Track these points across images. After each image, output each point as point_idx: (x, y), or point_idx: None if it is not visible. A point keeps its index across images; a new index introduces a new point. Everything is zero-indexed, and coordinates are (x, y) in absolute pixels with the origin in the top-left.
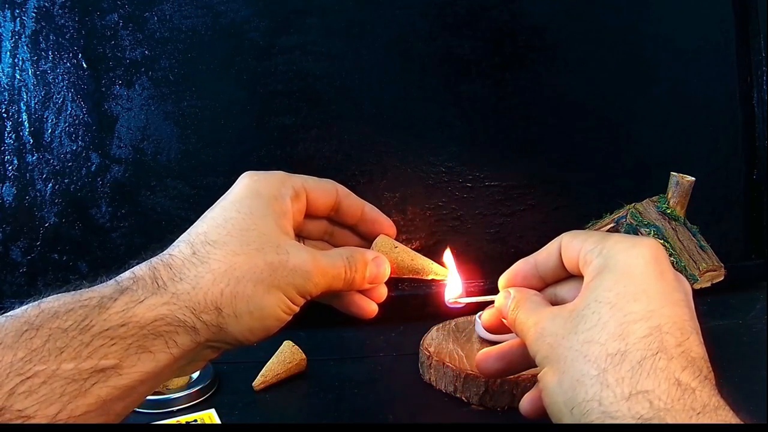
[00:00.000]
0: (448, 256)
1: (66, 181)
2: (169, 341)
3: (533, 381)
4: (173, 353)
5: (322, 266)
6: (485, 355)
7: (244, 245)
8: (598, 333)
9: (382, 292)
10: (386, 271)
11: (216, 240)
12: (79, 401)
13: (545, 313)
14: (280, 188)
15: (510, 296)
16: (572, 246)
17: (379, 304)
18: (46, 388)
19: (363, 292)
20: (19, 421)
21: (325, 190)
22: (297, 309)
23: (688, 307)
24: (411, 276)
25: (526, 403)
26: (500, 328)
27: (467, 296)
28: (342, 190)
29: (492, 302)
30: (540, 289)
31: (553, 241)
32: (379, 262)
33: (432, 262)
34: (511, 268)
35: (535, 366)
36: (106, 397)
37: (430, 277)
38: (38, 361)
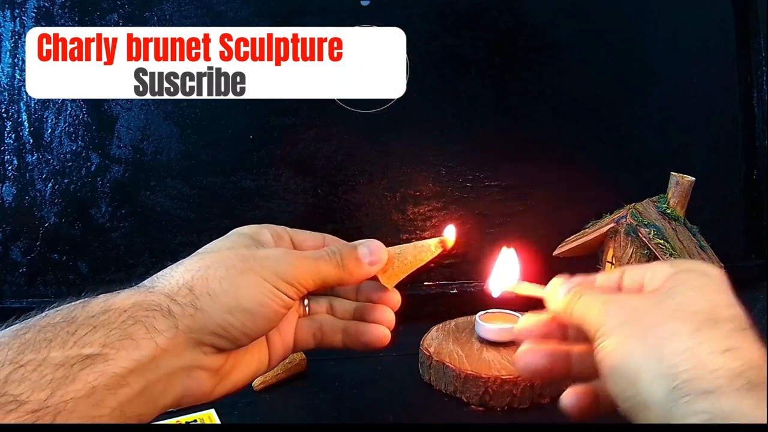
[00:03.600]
0: (507, 256)
1: (66, 181)
2: (149, 327)
3: (533, 381)
4: (157, 341)
5: (296, 254)
6: (532, 350)
7: (217, 248)
8: (688, 306)
9: (396, 299)
10: (382, 249)
11: (195, 253)
12: (68, 387)
13: (619, 295)
14: (260, 227)
15: (569, 281)
16: (638, 269)
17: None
18: (37, 374)
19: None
20: (13, 405)
21: (310, 236)
22: (288, 299)
23: None
24: (420, 265)
25: (572, 398)
26: (542, 334)
27: (514, 286)
28: (330, 237)
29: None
30: None
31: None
32: (367, 243)
33: (425, 241)
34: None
35: (572, 376)
36: (94, 383)
37: (436, 253)
38: (30, 351)
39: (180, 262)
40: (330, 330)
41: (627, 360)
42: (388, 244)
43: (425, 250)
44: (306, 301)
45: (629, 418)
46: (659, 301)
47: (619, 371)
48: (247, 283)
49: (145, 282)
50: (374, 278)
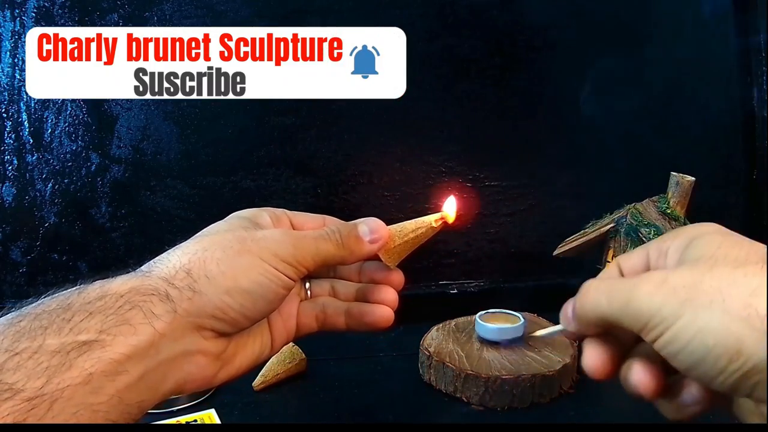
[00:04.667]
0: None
1: (66, 181)
2: (146, 312)
3: (533, 381)
4: (155, 326)
5: (295, 234)
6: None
7: (214, 231)
8: (734, 259)
9: (399, 279)
10: (382, 227)
11: (193, 237)
12: (64, 374)
13: (653, 274)
14: (259, 210)
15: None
16: (631, 257)
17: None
18: (32, 362)
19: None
20: (9, 393)
21: (309, 217)
22: (288, 280)
23: None
24: (422, 241)
25: (641, 376)
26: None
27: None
28: (330, 219)
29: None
30: None
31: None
32: (367, 221)
33: (425, 217)
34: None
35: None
36: (91, 369)
37: (437, 229)
38: (25, 339)
39: (177, 246)
40: (333, 312)
41: (720, 334)
42: None
43: (426, 226)
44: (307, 285)
45: (735, 392)
46: (709, 267)
47: (713, 349)
48: (246, 264)
49: (143, 267)
50: (376, 258)
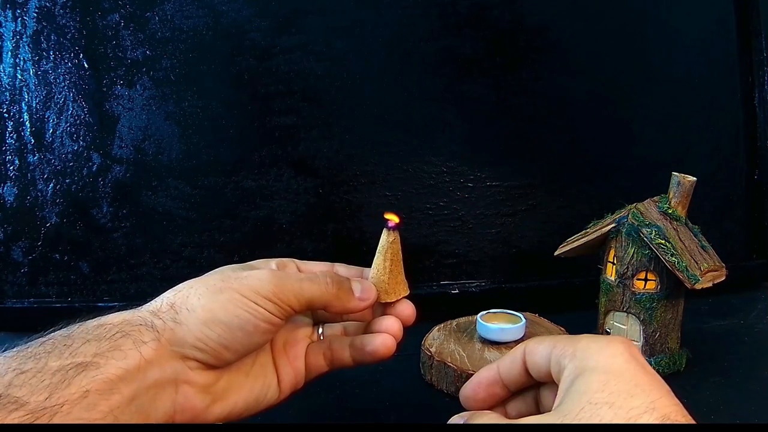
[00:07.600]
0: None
1: (67, 181)
2: (135, 339)
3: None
4: (142, 352)
5: (280, 274)
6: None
7: (206, 275)
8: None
9: (401, 308)
10: (372, 289)
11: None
12: (64, 390)
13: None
14: (266, 261)
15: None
16: (538, 352)
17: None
18: (36, 380)
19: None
20: (15, 406)
21: (317, 264)
22: (269, 315)
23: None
24: (400, 257)
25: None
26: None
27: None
28: (340, 266)
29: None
30: (504, 398)
31: (515, 347)
32: (360, 281)
33: (380, 241)
34: (473, 377)
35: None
36: (87, 387)
37: (395, 236)
38: (30, 361)
39: (172, 288)
40: (338, 347)
41: None
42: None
43: (387, 247)
44: (320, 329)
45: None
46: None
47: None
48: (224, 298)
49: (141, 306)
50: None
